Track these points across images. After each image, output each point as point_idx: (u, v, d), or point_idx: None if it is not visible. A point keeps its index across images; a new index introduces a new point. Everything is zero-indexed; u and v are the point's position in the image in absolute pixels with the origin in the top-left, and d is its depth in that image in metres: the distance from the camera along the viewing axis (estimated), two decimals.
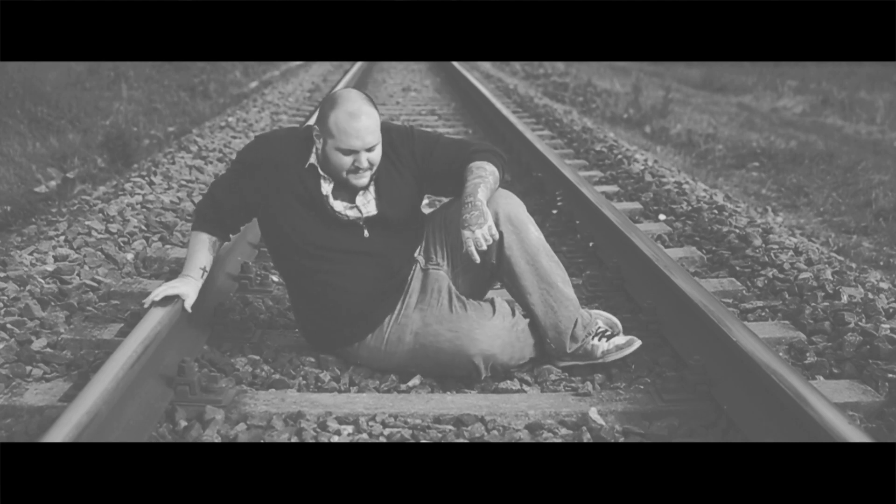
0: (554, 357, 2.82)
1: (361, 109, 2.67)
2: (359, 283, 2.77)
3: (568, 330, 2.77)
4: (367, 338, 2.81)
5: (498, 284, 3.02)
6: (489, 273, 2.88)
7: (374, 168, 2.73)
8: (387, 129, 2.86)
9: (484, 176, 2.74)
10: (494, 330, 2.70)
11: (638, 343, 2.82)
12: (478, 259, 2.63)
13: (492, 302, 2.79)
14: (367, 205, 2.79)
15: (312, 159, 2.77)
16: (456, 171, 2.82)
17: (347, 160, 2.68)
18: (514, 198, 2.84)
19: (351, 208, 2.79)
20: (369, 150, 2.68)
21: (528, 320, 2.80)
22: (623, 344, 2.80)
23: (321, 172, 2.76)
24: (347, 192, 2.79)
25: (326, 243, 2.77)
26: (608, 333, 2.82)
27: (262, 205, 2.81)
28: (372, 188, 2.80)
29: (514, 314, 2.78)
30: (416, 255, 2.88)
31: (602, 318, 2.92)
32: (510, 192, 2.88)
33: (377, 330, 2.80)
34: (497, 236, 2.67)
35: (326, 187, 2.77)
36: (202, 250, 2.89)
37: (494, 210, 2.77)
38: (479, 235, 2.61)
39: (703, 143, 8.79)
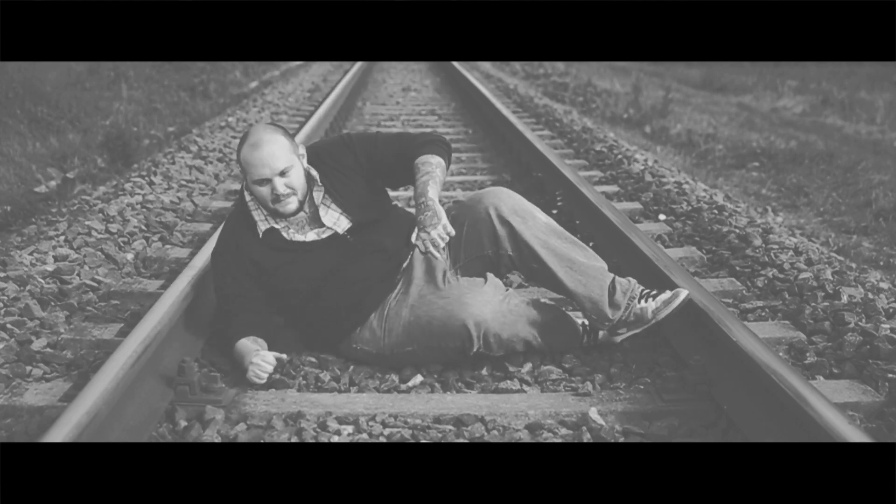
0: (608, 333, 2.84)
1: (262, 139, 2.72)
2: (356, 278, 2.82)
3: (603, 298, 2.75)
4: (370, 318, 2.84)
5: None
6: (489, 267, 2.91)
7: (300, 192, 2.77)
8: (323, 146, 2.95)
9: (431, 172, 2.77)
10: (485, 296, 2.72)
11: (685, 293, 2.75)
12: (438, 257, 2.67)
13: (485, 277, 2.84)
14: (339, 221, 2.84)
15: (263, 225, 2.82)
16: (403, 165, 2.85)
17: (265, 190, 2.74)
18: (511, 192, 2.91)
19: (325, 231, 2.83)
20: (282, 174, 2.71)
21: (521, 299, 2.81)
22: (670, 298, 2.75)
23: (276, 225, 2.81)
24: (309, 217, 2.84)
25: (322, 271, 2.80)
26: (653, 293, 2.77)
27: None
28: (333, 205, 2.84)
29: (506, 289, 2.83)
30: (414, 240, 2.90)
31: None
32: (505, 187, 2.95)
33: (379, 309, 2.83)
34: (453, 233, 2.67)
35: (291, 232, 2.82)
36: (249, 344, 2.79)
37: (496, 206, 2.82)
38: (434, 236, 2.64)
39: (703, 143, 8.79)
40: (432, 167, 2.78)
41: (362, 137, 2.96)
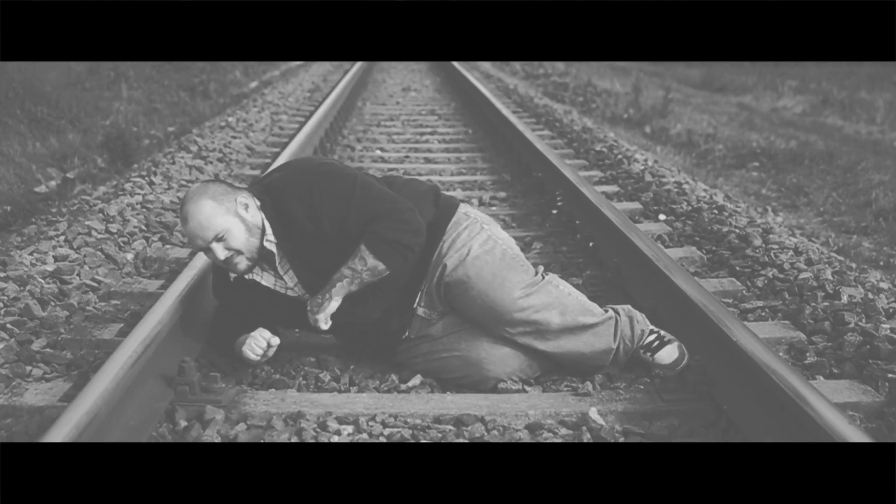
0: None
1: (188, 211, 2.58)
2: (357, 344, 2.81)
3: (604, 366, 2.76)
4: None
5: None
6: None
7: (246, 250, 2.61)
8: (287, 201, 2.63)
9: (357, 272, 2.59)
10: (505, 358, 2.69)
11: (687, 357, 2.72)
12: (323, 328, 2.67)
13: None
14: (298, 287, 2.75)
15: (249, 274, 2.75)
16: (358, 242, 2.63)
17: (211, 256, 2.66)
18: (530, 298, 2.66)
19: (291, 289, 2.76)
20: (218, 240, 2.58)
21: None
22: (669, 364, 2.73)
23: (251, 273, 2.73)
24: (270, 270, 2.74)
25: (300, 322, 2.77)
26: (654, 346, 2.75)
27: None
28: (291, 271, 2.73)
29: None
30: (415, 304, 2.77)
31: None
32: (539, 282, 2.71)
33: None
34: (322, 330, 2.67)
35: (262, 274, 2.75)
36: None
37: (508, 331, 2.67)
38: (311, 317, 2.66)
39: (703, 143, 8.80)
40: (363, 269, 2.59)
41: (332, 203, 2.60)
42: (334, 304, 2.65)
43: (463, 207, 2.84)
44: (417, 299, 2.76)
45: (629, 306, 2.84)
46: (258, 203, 2.67)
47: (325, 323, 2.66)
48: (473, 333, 2.72)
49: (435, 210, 2.76)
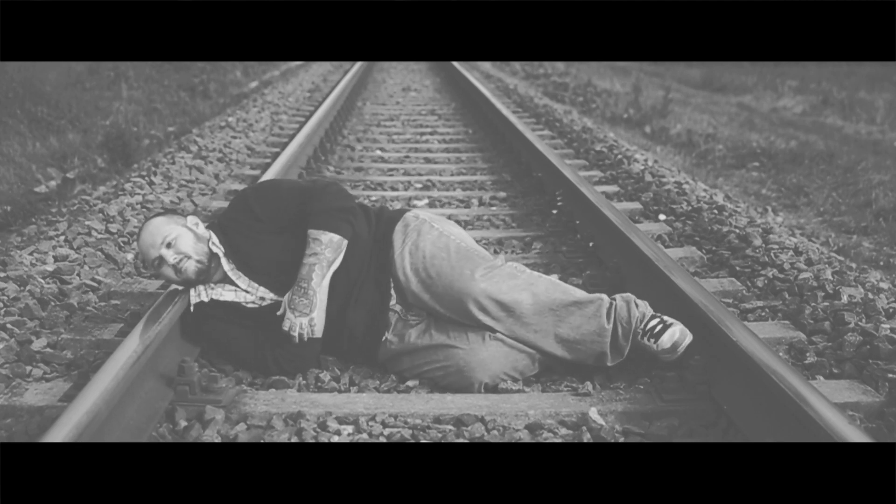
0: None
1: (142, 228, 2.79)
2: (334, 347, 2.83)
3: (604, 353, 2.69)
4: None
5: None
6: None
7: (194, 254, 2.74)
8: (226, 213, 2.92)
9: (320, 254, 2.70)
10: (485, 363, 2.67)
11: (689, 338, 2.65)
12: (296, 341, 2.71)
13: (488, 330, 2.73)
14: (255, 290, 2.82)
15: (203, 296, 2.81)
16: (304, 224, 2.76)
17: (163, 270, 2.76)
18: (493, 278, 2.72)
19: (254, 300, 2.82)
20: (168, 246, 2.73)
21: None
22: (669, 347, 2.65)
23: (212, 291, 2.81)
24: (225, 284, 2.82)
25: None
26: (656, 331, 2.67)
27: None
28: (243, 277, 2.82)
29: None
30: (392, 304, 2.83)
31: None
32: (498, 265, 2.77)
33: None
34: (317, 335, 2.73)
35: (227, 293, 2.82)
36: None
37: (493, 298, 2.69)
38: (297, 323, 2.70)
39: (703, 143, 8.80)
40: (321, 247, 2.70)
41: (261, 192, 2.87)
42: (322, 297, 2.71)
43: (413, 211, 2.96)
44: (394, 298, 2.82)
45: (629, 293, 2.79)
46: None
47: (319, 323, 2.71)
48: (449, 342, 2.71)
49: (375, 217, 2.93)
